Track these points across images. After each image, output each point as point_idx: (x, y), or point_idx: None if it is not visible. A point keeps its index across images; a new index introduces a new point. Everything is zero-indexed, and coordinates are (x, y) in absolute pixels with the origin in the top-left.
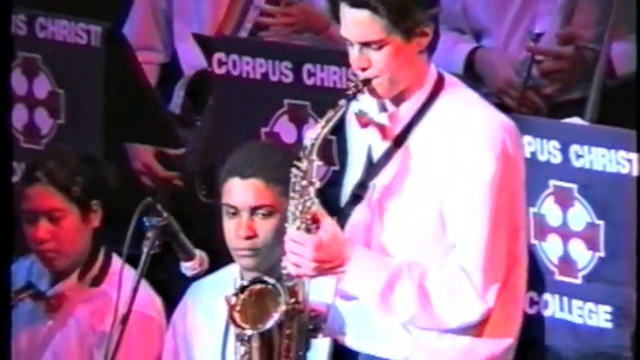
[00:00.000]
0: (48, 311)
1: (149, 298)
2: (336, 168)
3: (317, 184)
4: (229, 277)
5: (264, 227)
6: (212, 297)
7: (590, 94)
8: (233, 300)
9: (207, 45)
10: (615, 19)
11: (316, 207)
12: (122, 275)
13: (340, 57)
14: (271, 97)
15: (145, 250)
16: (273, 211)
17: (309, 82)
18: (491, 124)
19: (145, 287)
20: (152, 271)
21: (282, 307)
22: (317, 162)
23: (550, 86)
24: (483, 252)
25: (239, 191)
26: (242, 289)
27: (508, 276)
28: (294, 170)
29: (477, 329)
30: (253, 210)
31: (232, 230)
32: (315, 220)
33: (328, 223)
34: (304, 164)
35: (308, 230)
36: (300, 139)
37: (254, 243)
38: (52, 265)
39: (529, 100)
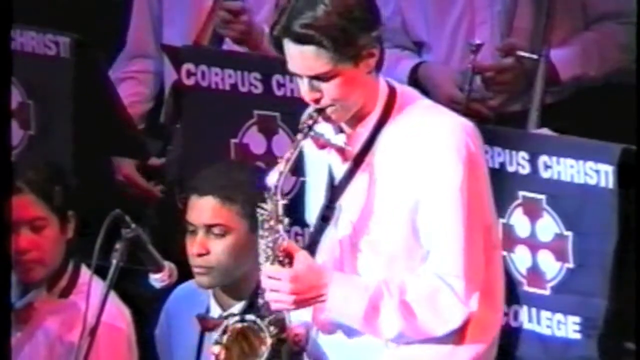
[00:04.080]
0: (16, 323)
1: (118, 309)
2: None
3: (286, 221)
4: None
5: (218, 245)
6: (191, 302)
7: (532, 103)
8: (216, 349)
9: (176, 56)
10: (552, 24)
11: (287, 242)
12: (91, 286)
13: None
14: (240, 108)
15: (114, 261)
16: (228, 230)
17: (279, 93)
18: (452, 128)
19: (114, 299)
20: (120, 282)
21: (269, 342)
22: (282, 202)
23: (496, 98)
24: (462, 258)
25: (195, 208)
26: (223, 331)
27: (486, 270)
28: (259, 211)
29: (458, 333)
30: (208, 228)
31: (189, 247)
32: (288, 254)
33: (301, 255)
34: (269, 206)
35: (282, 265)
36: (269, 149)
37: (206, 261)
38: (28, 277)
39: (475, 111)
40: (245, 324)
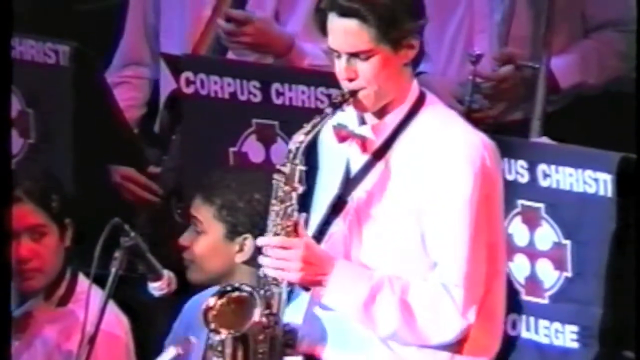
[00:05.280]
0: (15, 332)
1: (116, 318)
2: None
3: (300, 189)
4: None
5: (197, 242)
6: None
7: (534, 112)
8: (211, 302)
9: (175, 64)
10: (551, 32)
11: (297, 214)
12: (90, 294)
13: (309, 77)
14: (239, 116)
15: (113, 270)
16: (204, 230)
17: (278, 101)
18: (471, 140)
19: (112, 307)
20: (119, 290)
21: (257, 315)
22: (301, 167)
23: (495, 108)
24: (463, 269)
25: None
26: (221, 294)
27: (487, 293)
28: (276, 176)
29: (456, 345)
30: (194, 223)
31: None
32: (296, 229)
33: (305, 235)
34: (287, 168)
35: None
36: (268, 158)
37: (188, 254)
38: (28, 286)
39: (474, 122)
40: (242, 293)
